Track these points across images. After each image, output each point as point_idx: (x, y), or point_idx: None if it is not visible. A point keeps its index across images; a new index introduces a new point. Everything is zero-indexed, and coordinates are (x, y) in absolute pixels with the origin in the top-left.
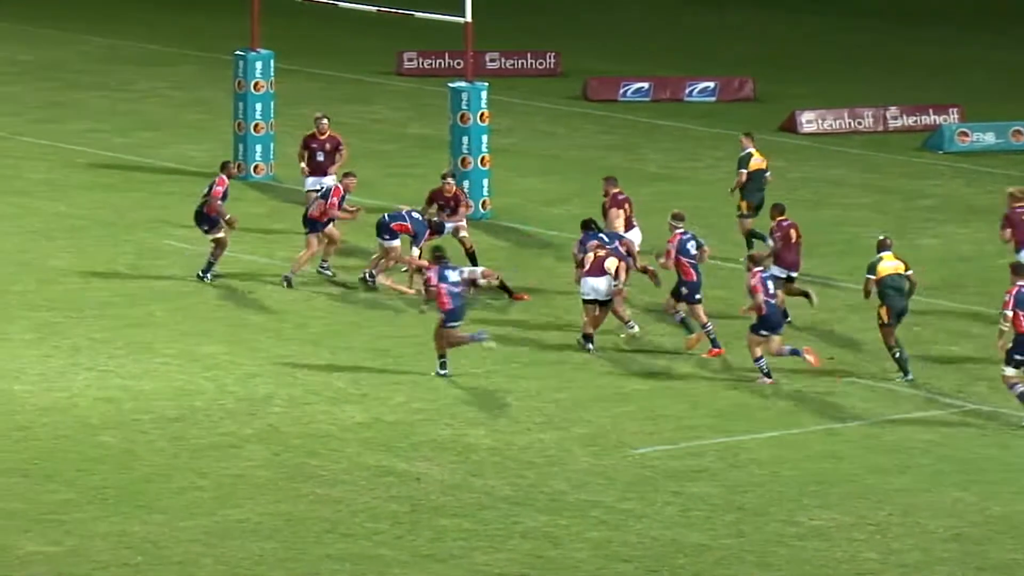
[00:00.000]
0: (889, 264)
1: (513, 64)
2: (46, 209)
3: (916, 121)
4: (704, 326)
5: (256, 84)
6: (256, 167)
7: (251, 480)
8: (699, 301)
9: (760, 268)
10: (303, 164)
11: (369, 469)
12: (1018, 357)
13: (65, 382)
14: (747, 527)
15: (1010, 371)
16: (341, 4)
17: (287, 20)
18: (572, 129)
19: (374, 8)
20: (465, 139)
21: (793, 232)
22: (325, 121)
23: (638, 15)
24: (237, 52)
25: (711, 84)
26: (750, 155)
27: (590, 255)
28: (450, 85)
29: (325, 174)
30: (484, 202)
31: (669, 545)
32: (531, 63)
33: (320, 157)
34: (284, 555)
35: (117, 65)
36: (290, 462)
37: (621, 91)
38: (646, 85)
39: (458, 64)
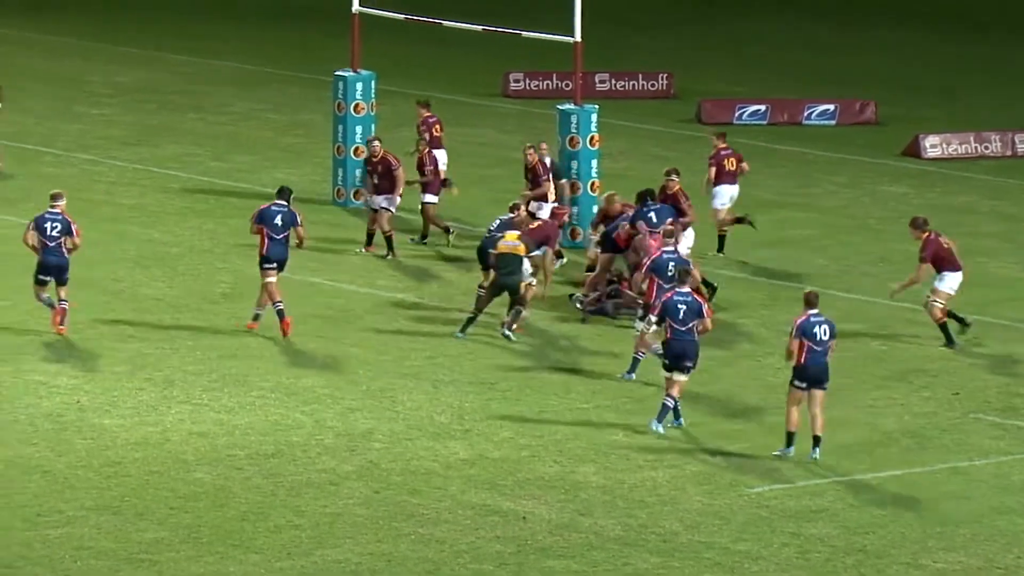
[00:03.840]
0: (509, 243)
1: (624, 86)
2: (139, 236)
3: None
4: None
5: (356, 106)
6: (356, 193)
7: (350, 519)
8: None
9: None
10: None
11: (473, 508)
12: (667, 361)
13: (158, 416)
14: (868, 570)
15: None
16: (446, 23)
17: (389, 39)
18: (685, 153)
19: (480, 27)
20: (574, 163)
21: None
22: (376, 143)
23: (753, 34)
24: (337, 73)
25: (831, 107)
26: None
27: None
28: (559, 107)
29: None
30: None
31: None
32: (643, 85)
33: (375, 179)
34: None
35: (214, 86)
36: (391, 500)
37: (736, 114)
38: (763, 108)
39: (567, 86)
